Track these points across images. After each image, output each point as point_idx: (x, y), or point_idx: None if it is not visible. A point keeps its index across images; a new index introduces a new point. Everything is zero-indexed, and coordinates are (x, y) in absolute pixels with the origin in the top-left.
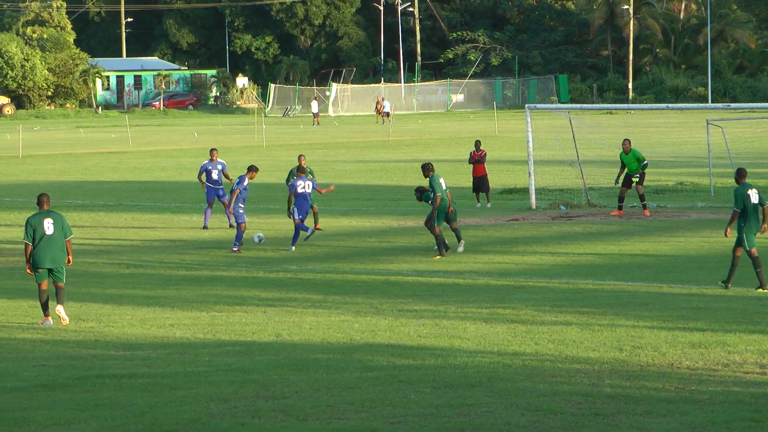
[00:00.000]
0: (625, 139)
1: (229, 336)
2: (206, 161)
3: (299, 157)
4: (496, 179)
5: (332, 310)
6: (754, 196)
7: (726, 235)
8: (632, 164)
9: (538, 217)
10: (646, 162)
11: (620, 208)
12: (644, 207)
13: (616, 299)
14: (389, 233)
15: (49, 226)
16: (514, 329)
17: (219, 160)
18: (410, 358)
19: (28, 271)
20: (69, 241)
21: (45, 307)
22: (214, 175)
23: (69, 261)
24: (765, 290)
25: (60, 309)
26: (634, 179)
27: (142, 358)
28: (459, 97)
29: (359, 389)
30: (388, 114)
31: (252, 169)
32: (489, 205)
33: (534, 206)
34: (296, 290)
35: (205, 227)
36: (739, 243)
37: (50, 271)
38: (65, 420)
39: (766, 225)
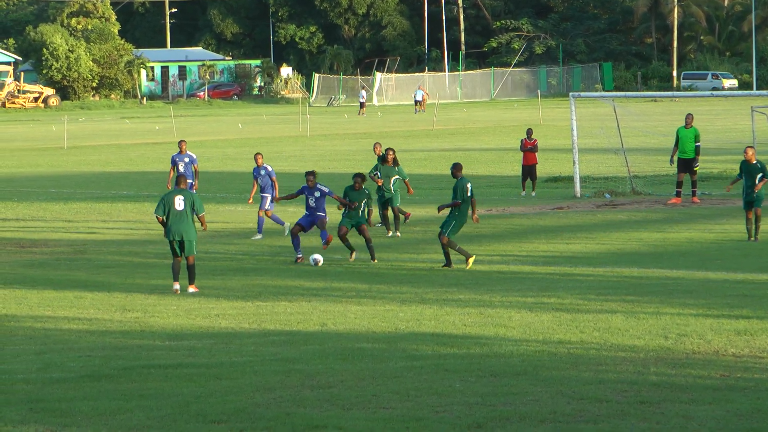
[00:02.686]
0: (688, 114)
1: (274, 326)
2: (175, 153)
3: (378, 147)
4: (540, 168)
5: (377, 300)
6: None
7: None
8: (689, 141)
9: (583, 206)
10: (699, 144)
11: (678, 194)
12: (693, 194)
13: (661, 287)
14: (434, 222)
15: (179, 202)
16: (559, 318)
17: (188, 152)
18: (455, 347)
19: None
20: (202, 216)
21: (176, 276)
22: (181, 168)
23: (204, 227)
24: None
25: (191, 290)
26: (696, 167)
27: (187, 348)
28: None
29: (404, 378)
30: (417, 102)
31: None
32: (534, 194)
33: (579, 194)
34: (341, 280)
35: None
36: None
37: (181, 243)
38: (111, 410)
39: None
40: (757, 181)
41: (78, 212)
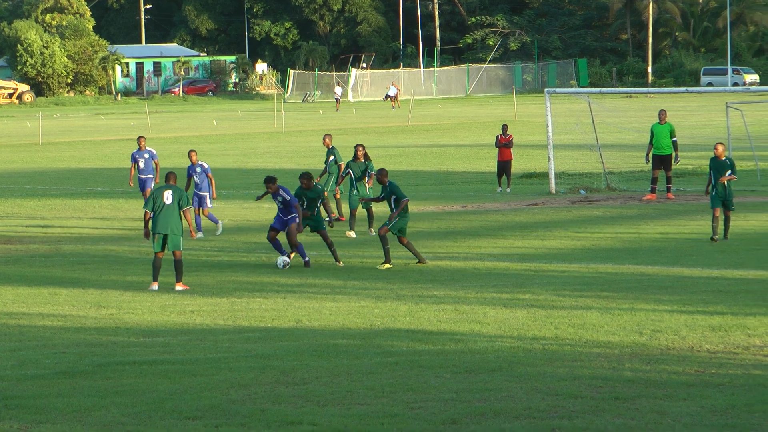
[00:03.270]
0: (662, 110)
1: (249, 322)
2: (135, 150)
3: (328, 139)
4: (515, 164)
5: (352, 296)
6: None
7: None
8: (664, 137)
9: (558, 202)
10: (675, 139)
11: (653, 191)
12: (668, 190)
13: (636, 283)
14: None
15: (168, 196)
16: (534, 314)
17: (148, 148)
18: (430, 343)
19: (146, 236)
20: (187, 211)
21: (155, 274)
22: (141, 164)
23: (192, 233)
24: None
25: (178, 288)
26: (676, 163)
27: (162, 345)
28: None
29: (379, 375)
30: (388, 97)
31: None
32: (509, 190)
33: (554, 191)
34: (316, 276)
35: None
36: None
37: (165, 238)
38: (86, 407)
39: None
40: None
41: (53, 209)
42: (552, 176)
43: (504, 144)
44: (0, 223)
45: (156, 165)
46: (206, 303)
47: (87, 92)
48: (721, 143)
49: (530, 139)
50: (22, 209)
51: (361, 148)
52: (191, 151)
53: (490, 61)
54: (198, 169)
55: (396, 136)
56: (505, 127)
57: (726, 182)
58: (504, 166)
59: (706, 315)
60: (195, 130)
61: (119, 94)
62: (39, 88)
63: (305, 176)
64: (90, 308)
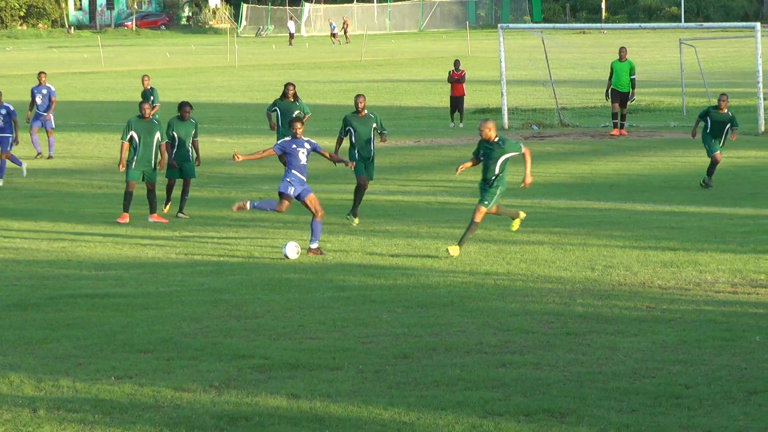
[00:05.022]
0: (622, 47)
1: (201, 256)
2: (35, 85)
3: (146, 80)
4: (468, 99)
5: (304, 231)
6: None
7: None
8: (624, 74)
9: (511, 137)
10: (634, 77)
11: (616, 125)
12: (622, 126)
13: (588, 219)
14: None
15: (149, 130)
16: (486, 249)
17: (47, 84)
18: (382, 278)
19: (121, 168)
20: (163, 145)
21: (126, 206)
22: (39, 99)
23: (161, 163)
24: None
25: (152, 219)
26: (632, 101)
27: (114, 278)
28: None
29: (331, 309)
30: (335, 35)
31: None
32: (462, 125)
33: (507, 126)
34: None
35: (39, 154)
36: None
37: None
38: (37, 339)
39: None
40: (727, 132)
41: None
42: (505, 112)
43: (456, 79)
44: None
45: (52, 101)
46: (159, 236)
47: (40, 25)
48: (725, 95)
49: (483, 75)
50: None
51: (291, 87)
52: (41, 72)
53: None
54: (44, 91)
55: (349, 71)
56: (457, 63)
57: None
58: (456, 102)
59: (658, 251)
60: (148, 63)
61: (72, 28)
62: None
63: (187, 105)
64: (42, 241)
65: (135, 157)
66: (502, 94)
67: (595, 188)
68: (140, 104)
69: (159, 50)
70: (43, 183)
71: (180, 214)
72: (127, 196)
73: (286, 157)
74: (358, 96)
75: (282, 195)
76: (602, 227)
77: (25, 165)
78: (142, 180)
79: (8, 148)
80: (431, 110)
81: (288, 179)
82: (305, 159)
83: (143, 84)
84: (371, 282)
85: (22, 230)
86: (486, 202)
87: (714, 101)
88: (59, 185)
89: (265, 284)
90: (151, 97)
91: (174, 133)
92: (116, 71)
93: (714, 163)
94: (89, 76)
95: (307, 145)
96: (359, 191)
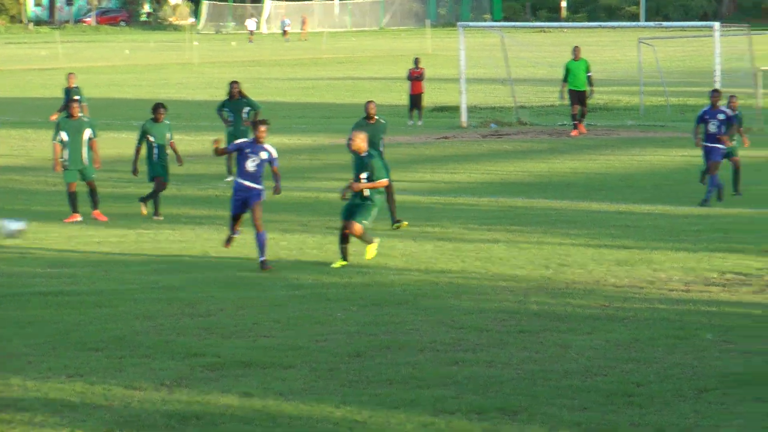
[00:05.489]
0: (576, 46)
1: (155, 253)
2: None
3: (72, 78)
4: (427, 97)
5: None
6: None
7: None
8: (580, 73)
9: (469, 135)
10: (590, 74)
11: (576, 126)
12: (581, 122)
13: (544, 217)
14: (320, 151)
15: (78, 129)
16: (441, 247)
17: None
18: (337, 276)
19: (57, 169)
20: (95, 142)
21: (73, 207)
22: None
23: (96, 161)
24: None
25: (94, 215)
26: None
27: (68, 276)
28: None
29: (285, 307)
30: (285, 33)
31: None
32: (420, 123)
33: (465, 124)
34: (225, 208)
35: None
36: None
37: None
38: None
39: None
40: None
41: None
42: (464, 110)
43: (416, 77)
44: None
45: None
46: (113, 234)
47: None
48: (734, 96)
49: (443, 73)
50: None
51: (235, 85)
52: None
53: None
54: None
55: (309, 69)
56: (417, 61)
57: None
58: (415, 99)
59: (613, 249)
60: (107, 60)
61: (31, 23)
62: None
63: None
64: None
65: (68, 158)
66: (461, 92)
67: (552, 186)
68: (69, 102)
69: (118, 47)
70: None
71: (156, 217)
72: (71, 196)
73: (237, 158)
74: (369, 102)
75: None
76: (558, 225)
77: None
78: (82, 179)
79: None
80: (390, 108)
81: (233, 195)
82: (254, 167)
83: (68, 82)
84: (326, 280)
85: None
86: (364, 221)
87: (673, 100)
88: (12, 182)
89: (219, 282)
90: (76, 97)
91: (150, 136)
92: (75, 68)
93: (735, 169)
94: (48, 72)
95: (263, 155)
96: (389, 196)
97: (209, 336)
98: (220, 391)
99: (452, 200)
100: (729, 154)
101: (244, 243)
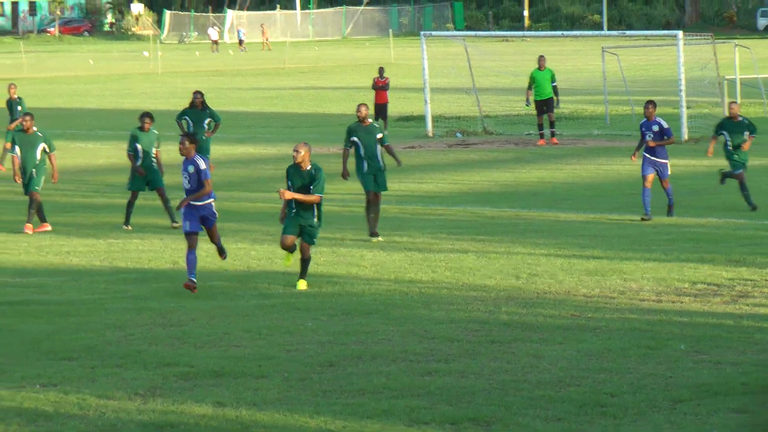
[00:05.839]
0: (541, 56)
1: (125, 263)
2: None
3: (13, 89)
4: (392, 107)
5: (228, 238)
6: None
7: None
8: (546, 83)
9: (435, 145)
10: (555, 83)
11: (542, 136)
12: (552, 135)
13: (513, 227)
14: (285, 161)
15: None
16: (410, 257)
17: None
18: (308, 285)
19: (17, 179)
20: (53, 156)
21: (40, 216)
22: None
23: (54, 175)
24: None
25: (25, 229)
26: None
27: (37, 285)
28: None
29: (256, 317)
30: (241, 42)
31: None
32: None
33: (430, 134)
34: None
35: None
36: None
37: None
38: None
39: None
40: (746, 138)
41: None
42: (428, 119)
43: (380, 87)
44: None
45: None
46: (82, 244)
47: None
48: (735, 102)
49: (407, 82)
50: None
51: (198, 95)
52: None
53: (367, 4)
54: None
55: (272, 78)
56: (381, 70)
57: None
58: (380, 109)
59: (583, 259)
60: (71, 70)
61: None
62: None
63: (147, 117)
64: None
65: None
66: (425, 102)
67: (518, 196)
68: (23, 115)
69: (82, 56)
70: None
71: (174, 224)
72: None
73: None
74: (360, 105)
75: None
76: (527, 235)
77: None
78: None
79: None
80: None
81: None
82: (187, 183)
83: (9, 93)
84: (296, 290)
85: None
86: (314, 240)
87: (638, 109)
88: None
89: (190, 292)
90: (19, 108)
91: (138, 144)
92: (39, 78)
93: (740, 184)
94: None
95: (191, 168)
96: (371, 207)
97: (181, 346)
98: (194, 401)
99: (420, 210)
100: (736, 169)
101: (214, 253)
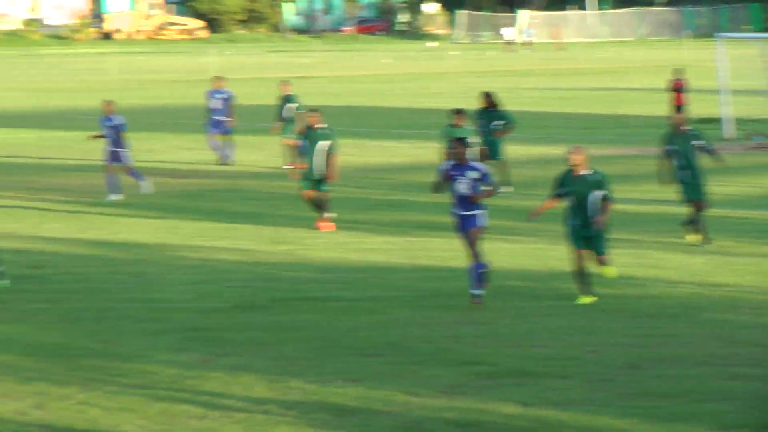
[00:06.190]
0: None
1: (426, 261)
2: (210, 89)
3: None
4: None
5: (527, 237)
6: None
7: None
8: None
9: (732, 148)
10: None
11: None
12: None
13: None
14: (602, 161)
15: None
16: (713, 260)
17: (225, 88)
18: (609, 287)
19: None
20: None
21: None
22: (215, 104)
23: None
24: None
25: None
26: None
27: (338, 282)
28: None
29: (556, 317)
30: (509, 42)
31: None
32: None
33: (728, 136)
34: (491, 217)
35: (226, 158)
36: None
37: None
38: (263, 341)
39: None
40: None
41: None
42: (727, 121)
43: (678, 89)
44: (176, 157)
45: (231, 106)
46: (382, 241)
47: (260, 30)
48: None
49: (701, 84)
50: (199, 143)
51: (487, 96)
52: (217, 77)
53: (657, 5)
54: (221, 95)
55: (568, 79)
56: (678, 72)
57: None
58: (678, 111)
59: None
60: (365, 69)
61: (288, 31)
62: (212, 25)
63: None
64: (267, 243)
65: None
66: (722, 104)
67: None
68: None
69: (375, 56)
70: (265, 186)
71: None
72: (309, 203)
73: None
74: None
75: None
76: None
77: (147, 182)
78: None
79: (125, 162)
80: (653, 119)
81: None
82: (466, 189)
83: (282, 90)
84: (598, 291)
85: (246, 232)
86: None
87: None
88: (277, 188)
89: (489, 291)
90: (295, 104)
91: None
92: (336, 76)
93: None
94: (309, 80)
95: (473, 173)
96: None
97: (484, 344)
98: (498, 400)
99: (722, 213)
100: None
101: (513, 253)
